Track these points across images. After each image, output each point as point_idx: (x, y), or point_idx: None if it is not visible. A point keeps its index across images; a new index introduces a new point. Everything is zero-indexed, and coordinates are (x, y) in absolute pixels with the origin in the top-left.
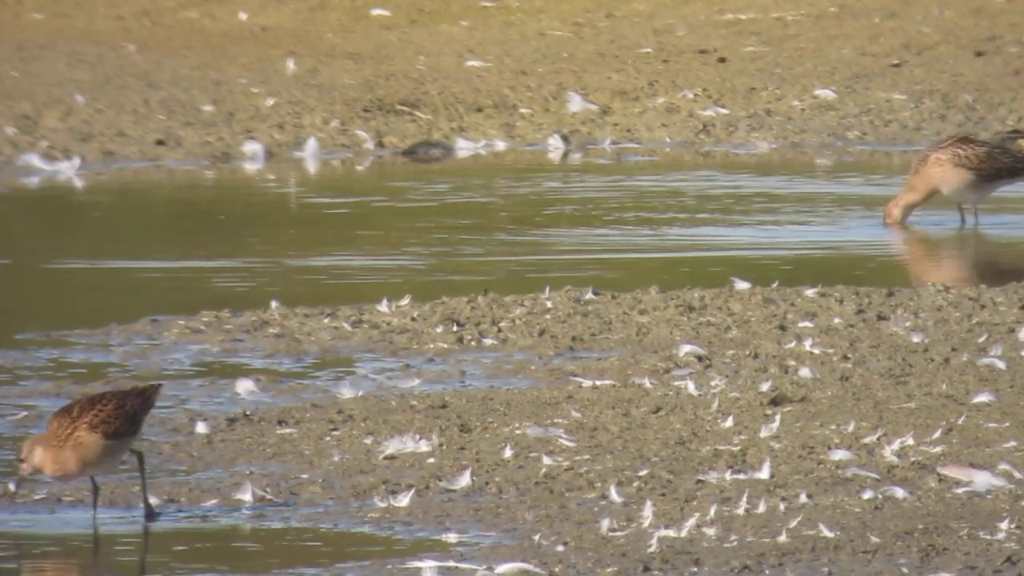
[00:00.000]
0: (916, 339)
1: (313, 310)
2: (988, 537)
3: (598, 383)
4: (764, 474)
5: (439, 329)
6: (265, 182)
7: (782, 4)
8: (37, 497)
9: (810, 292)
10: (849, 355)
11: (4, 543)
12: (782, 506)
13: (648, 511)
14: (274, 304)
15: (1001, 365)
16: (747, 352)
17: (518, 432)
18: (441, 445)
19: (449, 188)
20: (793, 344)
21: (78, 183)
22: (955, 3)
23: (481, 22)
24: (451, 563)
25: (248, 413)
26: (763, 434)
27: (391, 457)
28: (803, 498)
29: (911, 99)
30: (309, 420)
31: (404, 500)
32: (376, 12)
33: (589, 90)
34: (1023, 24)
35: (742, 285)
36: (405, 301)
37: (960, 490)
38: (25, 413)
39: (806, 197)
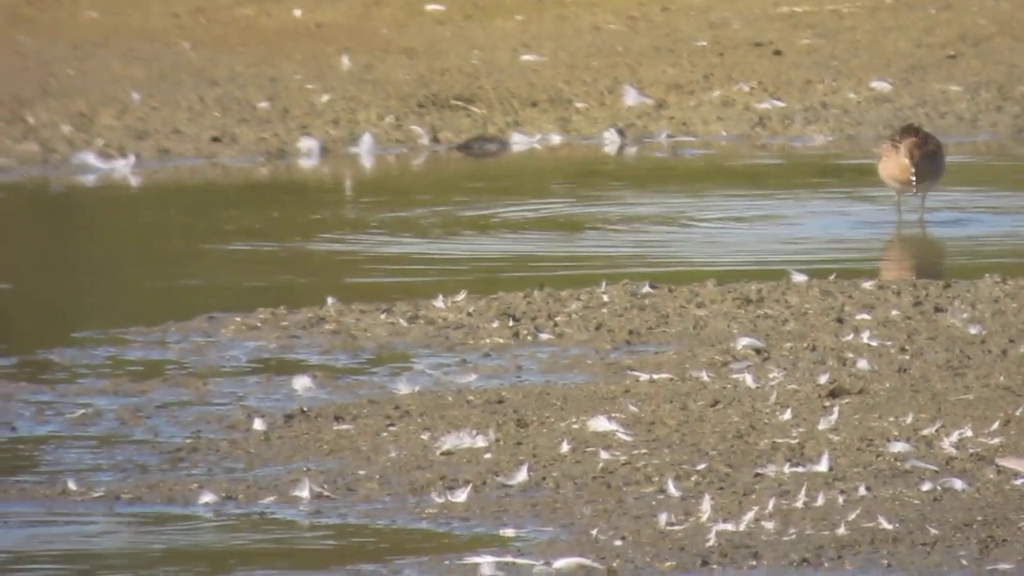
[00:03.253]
0: (973, 331)
1: (369, 306)
2: None
3: (655, 377)
4: (823, 467)
5: (495, 324)
6: (320, 178)
7: None
8: (95, 495)
9: (867, 284)
10: (907, 347)
11: (58, 538)
12: (841, 499)
13: (706, 505)
14: (330, 301)
15: None
16: (805, 345)
17: (575, 427)
18: (498, 440)
19: (505, 182)
20: (851, 336)
21: (133, 181)
22: None
23: (535, 16)
24: (509, 558)
25: (305, 409)
26: (821, 427)
27: (448, 453)
28: (862, 490)
29: (967, 91)
30: (366, 416)
31: (461, 496)
32: (430, 7)
33: (644, 84)
34: None
35: (799, 278)
36: (461, 296)
37: (1019, 482)
38: (82, 411)
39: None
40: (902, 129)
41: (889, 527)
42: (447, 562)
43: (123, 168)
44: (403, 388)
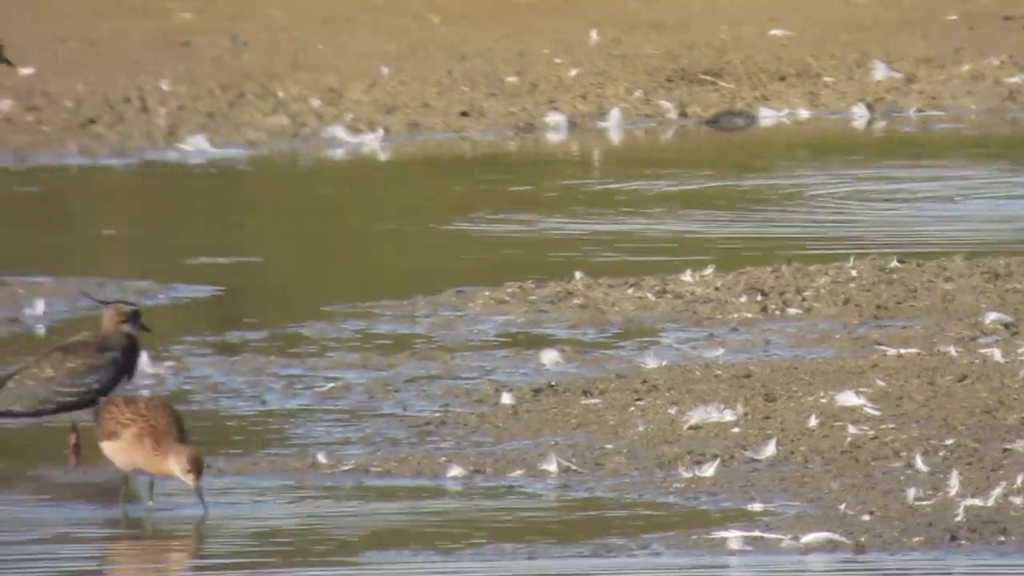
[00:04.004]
0: None
1: (617, 280)
2: None
3: (903, 351)
4: None
5: (743, 299)
6: (568, 152)
7: None
8: (344, 468)
9: None
10: None
11: (312, 511)
12: None
13: (954, 480)
14: (578, 275)
15: None
16: None
17: (823, 401)
18: (746, 415)
19: (752, 157)
20: None
21: (382, 155)
22: None
23: None
24: (756, 533)
25: (553, 384)
26: None
27: (695, 427)
28: None
29: None
30: (613, 390)
31: (709, 470)
32: None
33: (893, 58)
34: None
35: None
36: (708, 271)
37: None
38: (332, 385)
39: None
40: None
41: None
42: (694, 536)
43: (372, 142)
44: (651, 362)
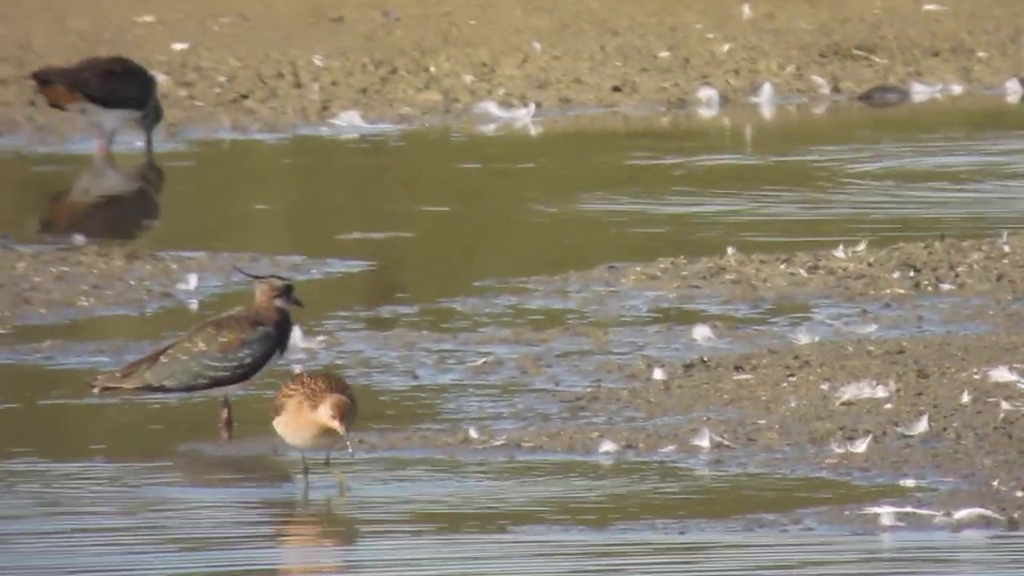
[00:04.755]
0: None
1: (769, 256)
2: None
3: None
4: None
5: (896, 275)
6: (721, 127)
7: None
8: (496, 443)
9: None
10: None
11: (464, 486)
12: None
13: None
14: (730, 250)
15: None
16: None
17: (976, 377)
18: (898, 391)
19: (905, 133)
20: None
21: (533, 130)
22: None
23: None
24: (909, 509)
25: (705, 359)
26: None
27: (848, 403)
28: None
29: None
30: (765, 366)
31: (861, 446)
32: None
33: None
34: None
35: None
36: (861, 247)
37: None
38: (484, 360)
39: None
40: None
41: None
42: (847, 512)
43: (523, 117)
44: (803, 338)
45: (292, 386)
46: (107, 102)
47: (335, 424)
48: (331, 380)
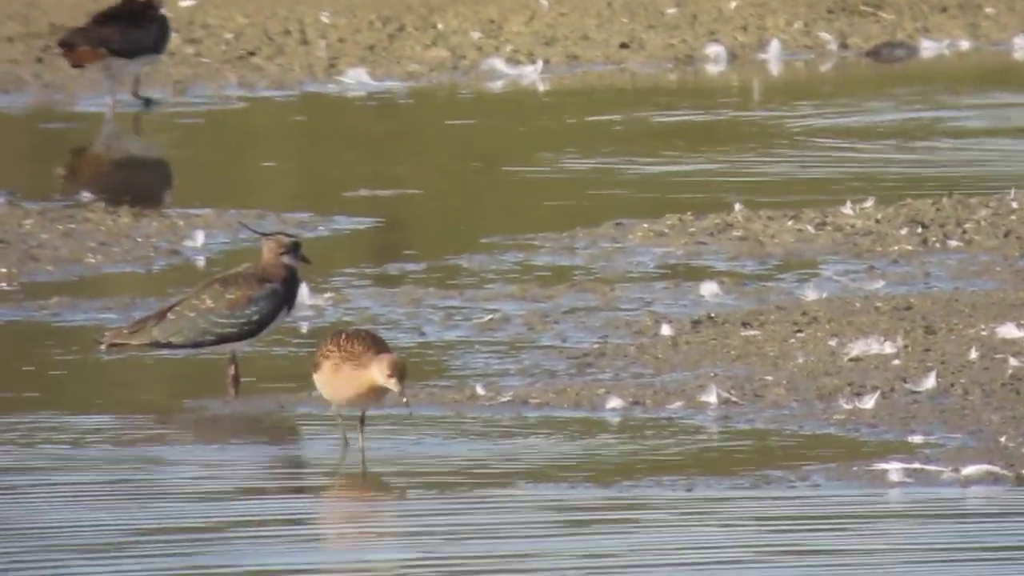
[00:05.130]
0: None
1: (776, 212)
2: None
3: None
4: None
5: (903, 231)
6: (728, 84)
7: None
8: (503, 399)
9: None
10: None
11: (470, 442)
12: None
13: None
14: (737, 207)
15: None
16: None
17: (984, 334)
18: (906, 347)
19: (912, 89)
20: None
21: (541, 86)
22: None
23: None
24: (917, 465)
25: (712, 315)
26: None
27: (856, 359)
28: None
29: None
30: (773, 322)
31: (869, 402)
32: None
33: None
34: None
35: None
36: (869, 203)
37: None
38: (490, 317)
39: None
40: None
41: None
42: (855, 468)
43: (531, 74)
44: (810, 294)
45: (328, 345)
46: (130, 53)
47: (392, 384)
48: (364, 340)
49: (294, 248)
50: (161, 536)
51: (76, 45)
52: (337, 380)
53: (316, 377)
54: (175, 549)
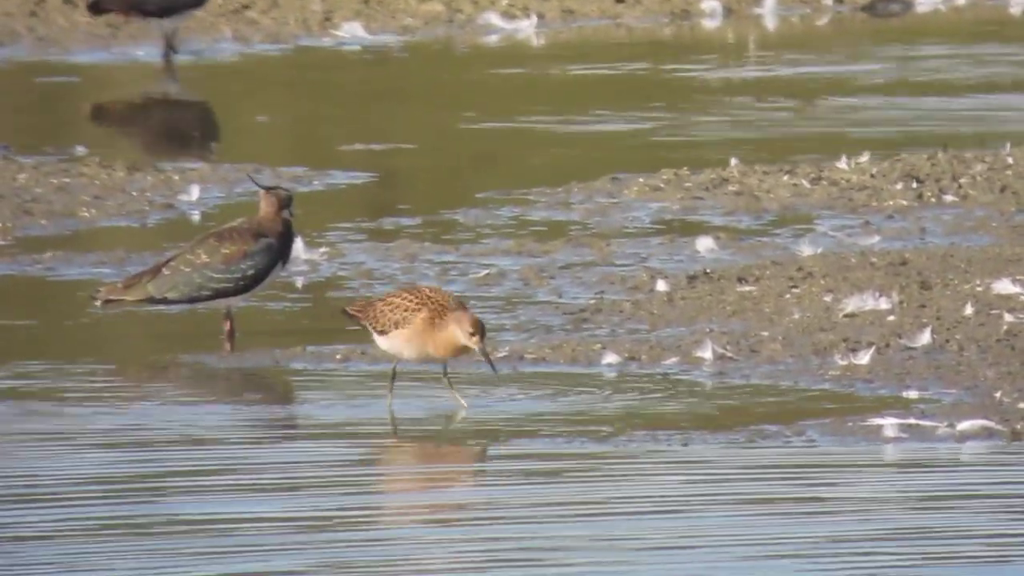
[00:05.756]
0: None
1: (772, 167)
2: None
3: None
4: None
5: (899, 186)
6: (723, 39)
7: None
8: (499, 355)
9: None
10: None
11: (466, 397)
12: None
13: None
14: (733, 162)
15: None
16: None
17: (979, 289)
18: (901, 303)
19: (907, 43)
20: None
21: (536, 41)
22: None
23: None
24: (912, 420)
25: (708, 271)
26: None
27: (851, 315)
28: None
29: None
30: (769, 277)
31: (864, 358)
32: None
33: None
34: None
35: None
36: (864, 158)
37: None
38: (486, 272)
39: None
40: None
41: None
42: (850, 423)
43: (527, 28)
44: (806, 249)
45: (412, 299)
46: (167, 12)
47: (474, 343)
48: (445, 293)
49: (289, 202)
50: (150, 481)
51: (107, 10)
52: (426, 338)
53: (398, 335)
54: (156, 496)
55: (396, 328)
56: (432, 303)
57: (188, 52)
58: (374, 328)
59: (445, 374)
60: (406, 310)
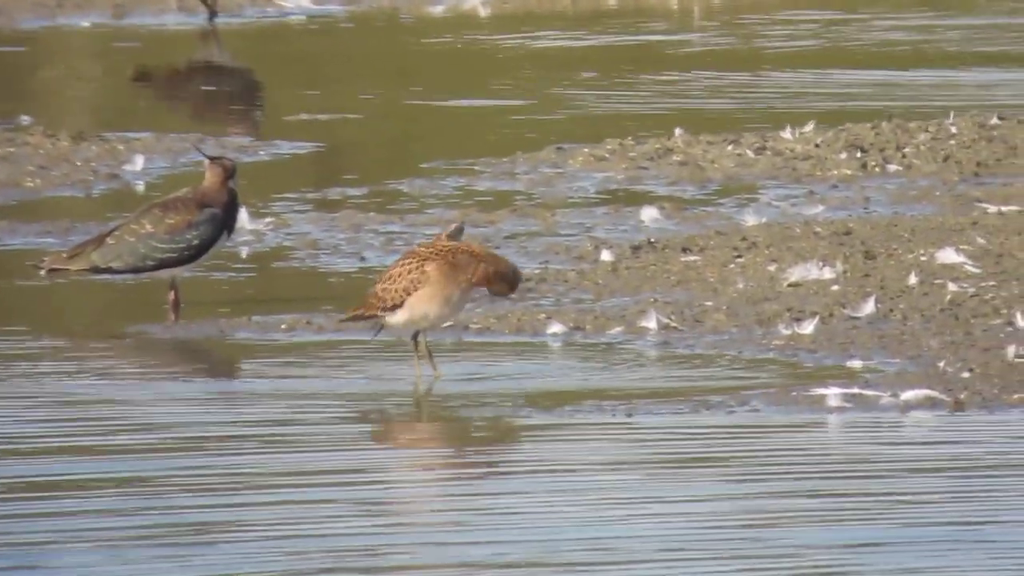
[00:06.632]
0: None
1: (716, 137)
2: None
3: (1004, 209)
4: None
5: (843, 155)
6: (668, 7)
7: None
8: (444, 325)
9: None
10: None
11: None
12: None
13: None
14: (678, 132)
15: None
16: None
17: (923, 259)
18: (845, 272)
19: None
20: None
21: (483, 11)
22: None
23: None
24: (856, 390)
25: (652, 241)
26: None
27: (795, 284)
28: None
29: None
30: (713, 247)
31: (809, 328)
32: None
33: None
34: None
35: None
36: (808, 128)
37: None
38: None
39: None
40: None
41: None
42: (794, 393)
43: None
44: (750, 219)
45: (399, 267)
46: None
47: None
48: (434, 242)
49: (233, 172)
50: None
51: None
52: (448, 281)
53: (418, 295)
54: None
55: (411, 294)
56: (433, 251)
57: (134, 20)
58: (384, 309)
59: (415, 340)
60: (412, 271)
